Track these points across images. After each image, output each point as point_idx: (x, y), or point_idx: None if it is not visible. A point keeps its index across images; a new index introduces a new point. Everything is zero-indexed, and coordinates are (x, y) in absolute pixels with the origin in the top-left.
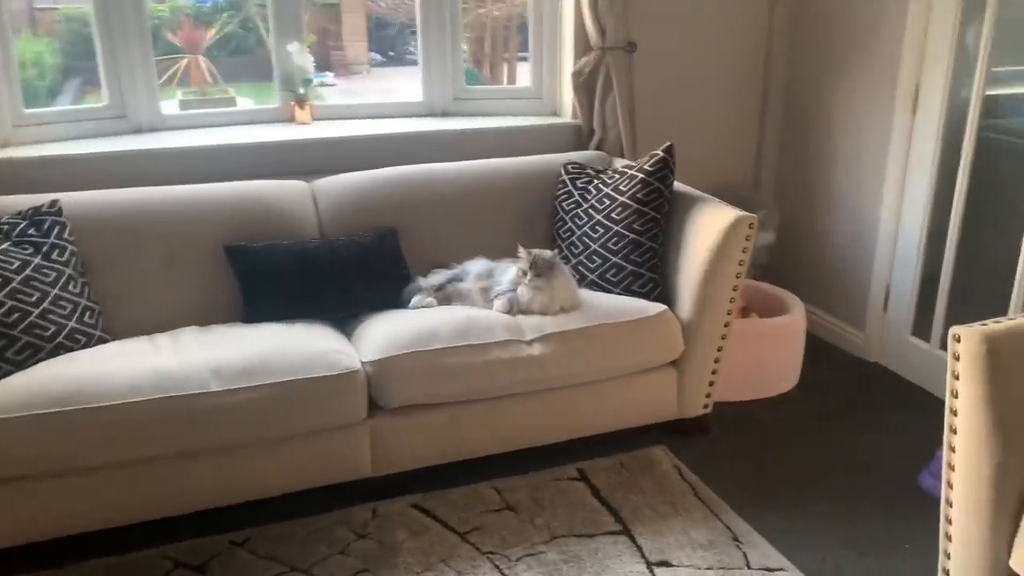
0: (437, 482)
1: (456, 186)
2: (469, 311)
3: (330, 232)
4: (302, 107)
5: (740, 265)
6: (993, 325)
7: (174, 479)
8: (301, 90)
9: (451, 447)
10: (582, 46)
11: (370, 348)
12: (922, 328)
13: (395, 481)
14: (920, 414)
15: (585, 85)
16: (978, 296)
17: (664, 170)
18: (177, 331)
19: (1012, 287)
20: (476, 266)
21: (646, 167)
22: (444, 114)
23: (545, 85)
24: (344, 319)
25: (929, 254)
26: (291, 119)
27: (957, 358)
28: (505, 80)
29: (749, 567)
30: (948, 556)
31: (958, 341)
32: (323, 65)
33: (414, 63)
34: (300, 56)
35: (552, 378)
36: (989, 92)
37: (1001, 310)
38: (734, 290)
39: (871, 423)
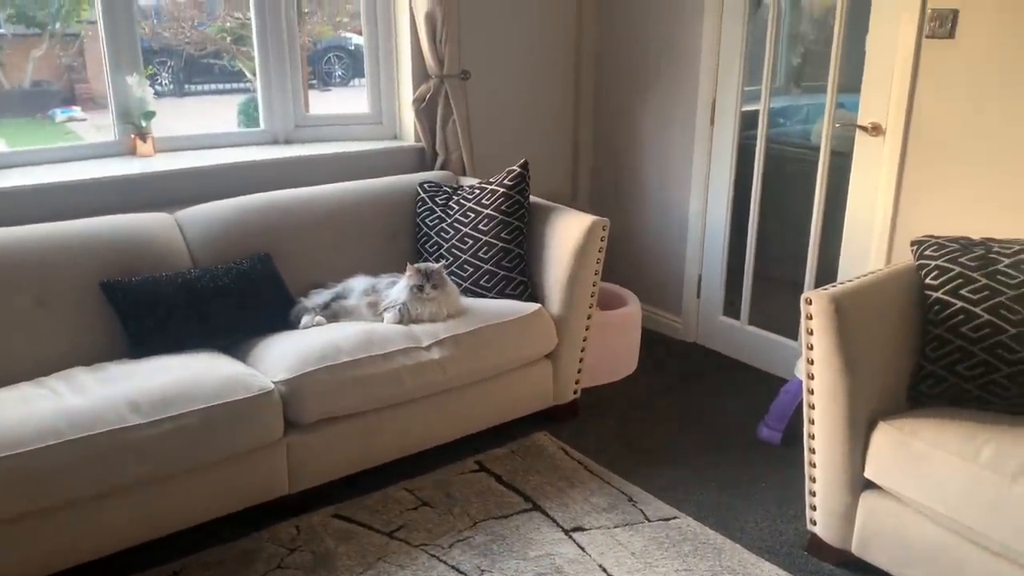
0: (349, 492)
1: (322, 209)
2: (363, 325)
3: (203, 261)
4: (144, 139)
5: (598, 263)
6: (834, 289)
7: (98, 520)
8: (143, 123)
9: (363, 455)
10: (419, 73)
11: (278, 368)
12: (732, 309)
13: (310, 496)
14: (740, 381)
15: (426, 111)
16: (775, 279)
17: (522, 183)
18: (65, 372)
19: (802, 268)
20: (359, 283)
21: (506, 182)
22: (287, 142)
23: (384, 110)
24: (232, 345)
25: (733, 245)
26: (132, 152)
27: (810, 317)
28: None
29: (649, 520)
30: (813, 479)
31: (810, 303)
32: (69, 99)
33: (200, 94)
34: (140, 88)
35: (451, 378)
36: (749, 108)
37: (795, 289)
38: (594, 286)
39: (704, 392)
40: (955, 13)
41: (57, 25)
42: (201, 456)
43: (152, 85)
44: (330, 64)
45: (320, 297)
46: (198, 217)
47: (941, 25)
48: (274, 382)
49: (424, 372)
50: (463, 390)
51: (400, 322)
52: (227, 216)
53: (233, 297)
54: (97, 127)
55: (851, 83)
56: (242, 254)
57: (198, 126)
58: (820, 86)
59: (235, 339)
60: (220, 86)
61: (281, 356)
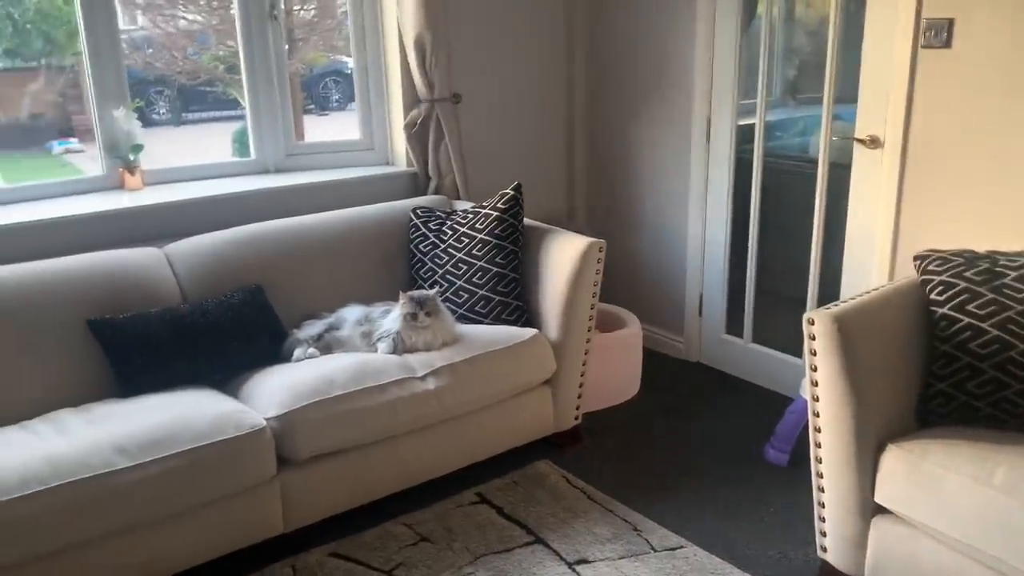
0: (346, 529)
1: (313, 238)
2: (357, 356)
3: (193, 296)
4: (132, 173)
5: (595, 286)
6: (837, 308)
7: (85, 567)
8: (131, 156)
9: (360, 490)
10: (410, 98)
11: (269, 404)
12: (734, 327)
13: (306, 534)
14: (745, 400)
15: (417, 135)
16: (777, 295)
17: (516, 207)
18: (51, 415)
19: (804, 284)
20: (352, 313)
21: (499, 205)
22: (278, 171)
23: (376, 136)
24: (223, 380)
25: (733, 262)
26: (120, 186)
27: (813, 338)
28: (293, 135)
29: (655, 550)
30: (823, 504)
31: (812, 324)
32: (66, 131)
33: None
34: (127, 121)
35: (448, 408)
36: (745, 122)
37: (797, 305)
38: (591, 309)
39: (708, 413)
40: (950, 22)
41: (52, 58)
42: (191, 498)
43: (149, 114)
44: (327, 89)
45: (313, 328)
46: (187, 251)
47: (936, 35)
48: (266, 419)
49: (420, 403)
50: (461, 420)
51: (394, 352)
52: (217, 249)
53: (224, 332)
54: (93, 158)
55: (849, 94)
56: (233, 287)
57: (194, 155)
58: (817, 98)
59: (227, 375)
60: (217, 114)
61: (273, 391)
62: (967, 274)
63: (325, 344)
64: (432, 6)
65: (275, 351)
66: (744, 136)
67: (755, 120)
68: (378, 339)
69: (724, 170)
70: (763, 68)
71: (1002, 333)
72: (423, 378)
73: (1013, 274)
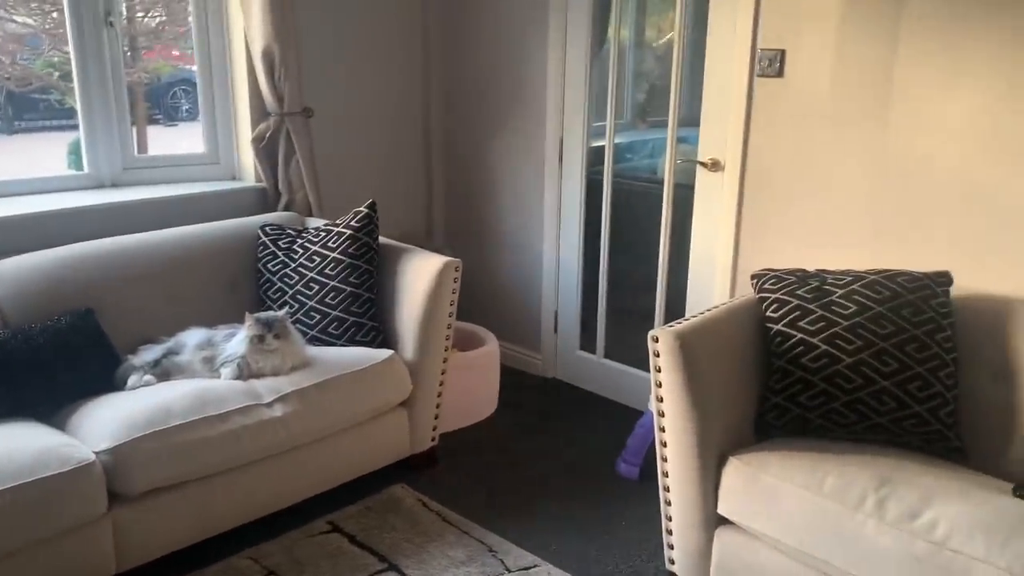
0: (186, 565)
1: (152, 257)
2: (197, 383)
3: (16, 320)
4: None
5: (451, 305)
6: (679, 325)
7: None
8: None
9: (201, 525)
10: (258, 111)
11: (99, 436)
12: (588, 343)
13: (141, 574)
14: (599, 415)
15: (266, 150)
16: (629, 311)
17: (370, 225)
18: None
19: (655, 300)
20: (193, 337)
21: (352, 223)
22: (114, 185)
23: (222, 149)
24: (49, 412)
25: (587, 280)
26: None
27: (657, 355)
28: (136, 148)
29: (509, 570)
30: (669, 518)
31: (656, 341)
32: None
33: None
34: None
35: (296, 436)
36: (598, 144)
37: (648, 321)
38: (448, 328)
39: (564, 429)
40: (782, 53)
41: None
42: (12, 540)
43: None
44: (176, 98)
45: (149, 354)
46: (9, 271)
47: (770, 64)
48: (95, 452)
49: (266, 431)
50: (311, 447)
51: (239, 377)
52: (43, 269)
53: (49, 359)
54: None
55: (695, 118)
56: (61, 310)
57: (27, 166)
58: (665, 121)
59: (53, 405)
60: (52, 123)
61: (104, 423)
62: (799, 292)
63: (163, 371)
64: (280, 17)
65: (107, 379)
66: (596, 157)
67: (608, 142)
68: (222, 364)
69: (576, 190)
70: (611, 91)
71: (830, 348)
72: (270, 405)
73: (840, 291)
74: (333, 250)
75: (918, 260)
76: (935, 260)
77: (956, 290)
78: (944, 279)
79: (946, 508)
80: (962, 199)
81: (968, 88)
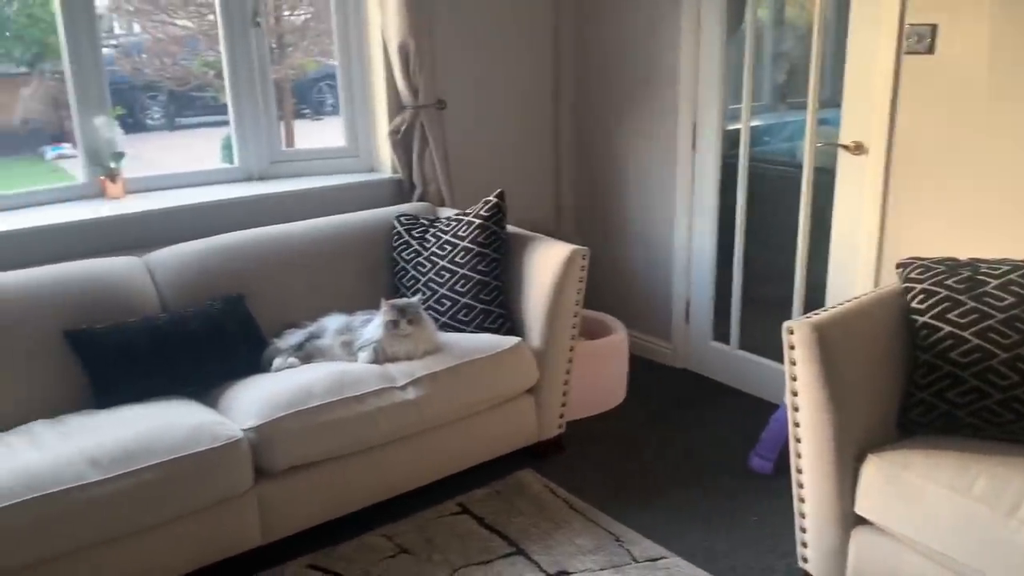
0: (324, 540)
1: (295, 246)
2: (336, 366)
3: (174, 305)
4: (114, 181)
5: (578, 294)
6: (816, 317)
7: None
8: (112, 164)
9: (339, 502)
10: (394, 105)
11: (246, 415)
12: (721, 333)
13: (284, 546)
14: (731, 407)
15: (402, 142)
16: (765, 301)
17: (499, 214)
18: (25, 426)
19: (792, 289)
20: (333, 322)
21: (482, 213)
22: (262, 178)
23: (361, 143)
24: (203, 391)
25: (720, 268)
26: (101, 194)
27: (792, 347)
28: (284, 142)
29: (636, 561)
30: (803, 515)
31: (791, 333)
32: (59, 136)
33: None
34: (108, 129)
35: (428, 419)
36: (734, 127)
37: (782, 311)
38: (575, 316)
39: (694, 420)
40: (934, 28)
41: (45, 63)
42: (166, 511)
43: (143, 119)
44: (322, 93)
45: (293, 338)
46: (168, 260)
47: (919, 41)
48: (243, 429)
49: (400, 413)
50: (441, 430)
51: (375, 361)
52: (198, 257)
53: (203, 342)
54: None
55: (837, 99)
56: (214, 296)
57: (186, 160)
58: (806, 103)
59: (206, 385)
60: (209, 119)
61: (251, 402)
62: (948, 282)
63: (306, 354)
64: (415, 13)
65: (255, 361)
66: (732, 141)
67: (743, 125)
68: (359, 348)
69: (710, 175)
70: (747, 73)
71: (983, 342)
72: (403, 388)
73: (994, 282)
74: (463, 239)
75: None
76: None
77: None
78: None
79: None
80: None
81: None
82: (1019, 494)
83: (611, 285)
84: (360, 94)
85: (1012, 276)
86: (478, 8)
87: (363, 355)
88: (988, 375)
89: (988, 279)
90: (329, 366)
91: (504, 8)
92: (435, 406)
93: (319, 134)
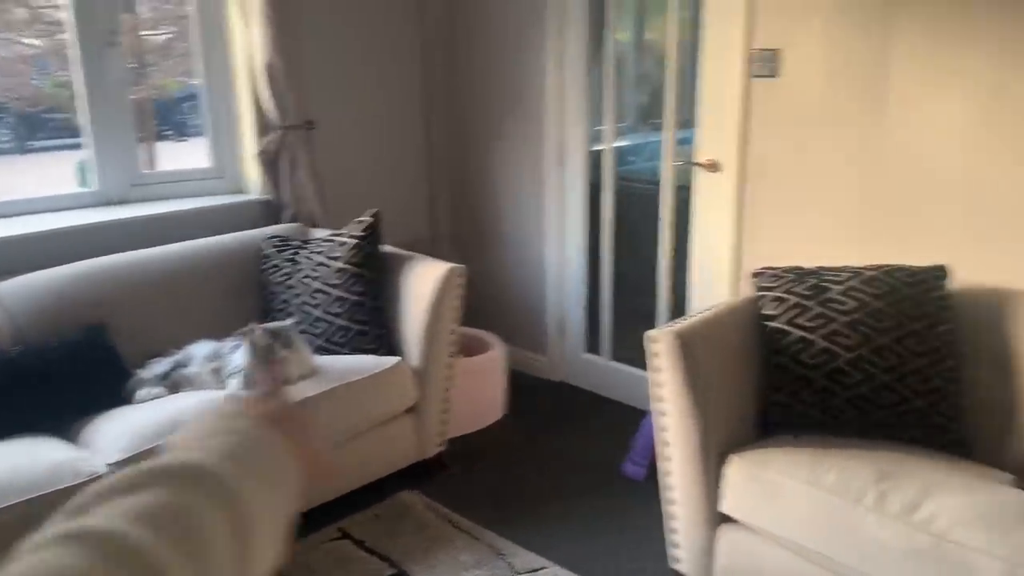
0: None
1: (159, 272)
2: (204, 395)
3: (30, 337)
4: None
5: (455, 311)
6: (678, 326)
7: None
8: None
9: None
10: (262, 125)
11: (111, 449)
12: (594, 345)
13: None
14: (606, 417)
15: (271, 162)
16: (634, 312)
17: (373, 233)
18: None
19: (656, 301)
20: (201, 349)
21: (356, 232)
22: (122, 202)
23: (227, 164)
24: (63, 426)
25: (591, 282)
26: None
27: (656, 355)
28: (145, 164)
29: (518, 573)
30: (673, 517)
31: (655, 341)
32: None
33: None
34: None
35: None
36: (600, 148)
37: (650, 322)
38: (453, 333)
39: (571, 432)
40: (777, 53)
41: None
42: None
43: None
44: (185, 114)
45: (158, 367)
46: (21, 289)
47: (765, 65)
48: (108, 464)
49: None
50: None
51: (247, 388)
52: (54, 286)
53: (61, 374)
54: None
55: (695, 120)
56: (74, 326)
57: (39, 185)
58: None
59: (66, 420)
60: (63, 142)
61: (115, 436)
62: (797, 289)
63: (172, 383)
64: (281, 33)
65: (118, 393)
66: (597, 160)
67: (607, 145)
68: (229, 375)
69: (578, 194)
70: (609, 95)
71: (829, 344)
72: None
73: (838, 288)
74: (337, 260)
75: (915, 255)
76: (932, 254)
77: (955, 284)
78: (941, 273)
79: (946, 500)
80: (957, 194)
81: (961, 85)
82: (865, 484)
83: (488, 302)
84: (226, 114)
85: (853, 283)
86: (346, 27)
87: (234, 382)
88: (835, 375)
89: (832, 285)
90: (198, 395)
91: (372, 27)
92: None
93: (183, 156)
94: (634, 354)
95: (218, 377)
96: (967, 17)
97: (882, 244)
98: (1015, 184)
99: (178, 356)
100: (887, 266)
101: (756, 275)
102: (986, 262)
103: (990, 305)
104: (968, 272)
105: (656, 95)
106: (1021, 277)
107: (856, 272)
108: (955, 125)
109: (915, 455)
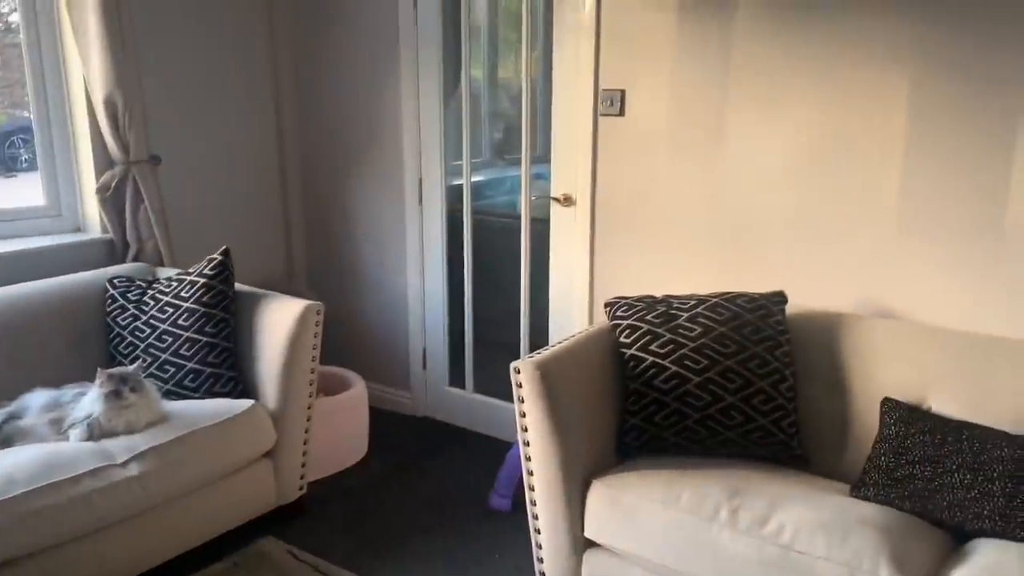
0: None
1: None
2: (42, 447)
3: None
4: None
5: (314, 350)
6: (539, 356)
7: None
8: None
9: None
10: (103, 160)
11: None
12: (457, 379)
13: None
14: (471, 450)
15: (113, 199)
16: (496, 344)
17: (224, 272)
18: None
19: (519, 332)
20: (37, 399)
21: (206, 271)
22: None
23: (64, 201)
24: None
25: (453, 315)
26: None
27: (520, 386)
28: None
29: None
30: (540, 545)
31: (518, 372)
32: None
33: None
34: None
35: (154, 495)
36: (458, 183)
37: (512, 354)
38: (312, 373)
39: (435, 467)
40: (623, 93)
41: None
42: None
43: None
44: (15, 147)
45: None
46: None
47: (612, 104)
48: None
49: (121, 493)
50: (172, 505)
51: (90, 438)
52: None
53: None
54: None
55: (549, 155)
56: None
57: None
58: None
59: None
60: None
61: None
62: (648, 317)
63: (5, 437)
64: (121, 64)
65: None
66: (456, 195)
67: (465, 180)
68: (69, 426)
69: (437, 228)
70: (465, 130)
71: (680, 368)
72: (124, 465)
73: (685, 315)
74: (186, 300)
75: (755, 282)
76: (770, 281)
77: (791, 308)
78: (780, 298)
79: (791, 512)
80: (790, 224)
81: (789, 121)
82: (718, 501)
83: (348, 339)
84: (62, 149)
85: (699, 309)
86: (191, 59)
87: (75, 433)
88: (686, 398)
89: (680, 312)
90: (32, 448)
91: (221, 57)
92: (162, 481)
93: (13, 192)
94: (497, 386)
95: (57, 428)
96: (793, 58)
97: (726, 272)
98: (837, 215)
99: (11, 407)
100: (730, 293)
101: (610, 305)
102: (816, 287)
103: (824, 328)
104: (801, 297)
105: (509, 131)
106: (846, 301)
107: (702, 299)
108: (788, 160)
109: (761, 471)
